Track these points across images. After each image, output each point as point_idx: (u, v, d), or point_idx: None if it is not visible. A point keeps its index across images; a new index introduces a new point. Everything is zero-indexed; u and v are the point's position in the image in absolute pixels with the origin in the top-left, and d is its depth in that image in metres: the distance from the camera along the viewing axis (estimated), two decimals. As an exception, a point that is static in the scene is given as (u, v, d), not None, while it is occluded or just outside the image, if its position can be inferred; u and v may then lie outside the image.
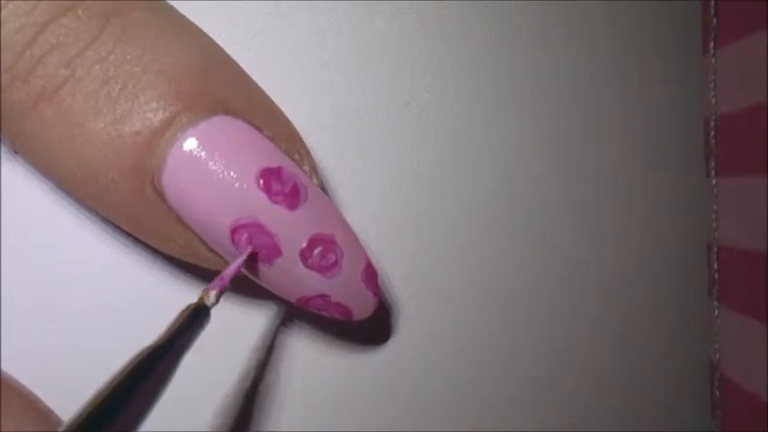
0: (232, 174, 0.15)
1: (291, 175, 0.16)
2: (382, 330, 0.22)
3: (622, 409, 0.24)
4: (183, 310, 0.14)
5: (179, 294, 0.21)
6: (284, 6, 0.21)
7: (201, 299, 0.15)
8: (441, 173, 0.22)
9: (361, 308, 0.18)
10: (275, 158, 0.16)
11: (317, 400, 0.22)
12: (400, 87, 0.22)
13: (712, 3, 0.23)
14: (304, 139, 0.17)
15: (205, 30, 0.17)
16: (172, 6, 0.16)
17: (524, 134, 0.23)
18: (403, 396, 0.22)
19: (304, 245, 0.16)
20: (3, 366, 0.20)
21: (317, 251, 0.16)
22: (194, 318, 0.14)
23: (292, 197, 0.16)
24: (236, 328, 0.21)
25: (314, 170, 0.17)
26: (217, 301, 0.15)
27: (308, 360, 0.22)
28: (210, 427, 0.21)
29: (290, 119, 0.17)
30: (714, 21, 0.23)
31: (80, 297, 0.20)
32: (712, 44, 0.23)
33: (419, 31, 0.22)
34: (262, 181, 0.15)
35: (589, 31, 0.23)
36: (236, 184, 0.15)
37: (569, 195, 0.23)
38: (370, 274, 0.17)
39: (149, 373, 0.13)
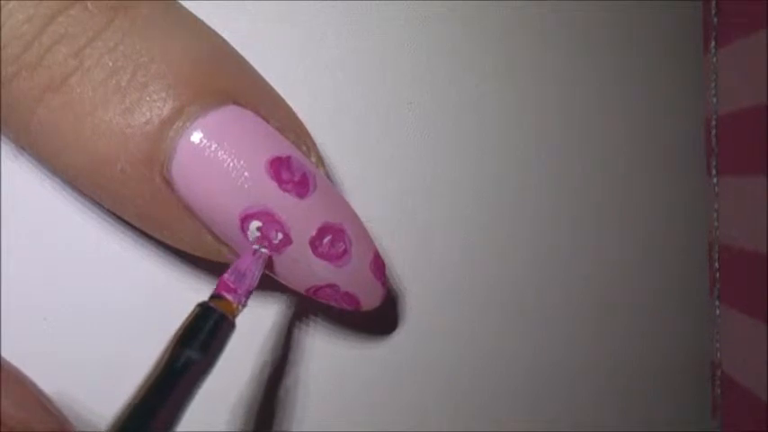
0: (242, 163, 0.15)
1: (301, 165, 0.16)
2: (389, 321, 0.22)
3: (623, 409, 0.24)
4: (215, 321, 0.15)
5: (186, 290, 0.21)
6: (284, 6, 0.21)
7: (233, 313, 0.15)
8: (442, 172, 0.22)
9: (370, 298, 0.18)
10: (284, 148, 0.16)
11: (324, 390, 0.22)
12: (402, 87, 0.22)
13: (713, 2, 0.23)
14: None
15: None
16: (179, 3, 0.17)
17: (525, 133, 0.23)
18: (409, 387, 0.22)
19: (314, 233, 0.16)
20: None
21: (326, 240, 0.16)
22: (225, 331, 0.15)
23: (302, 186, 0.16)
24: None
25: (321, 161, 0.17)
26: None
27: (316, 350, 0.22)
28: (214, 421, 0.21)
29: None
30: (715, 20, 0.23)
31: (83, 296, 0.20)
32: (713, 44, 0.23)
33: (421, 31, 0.22)
34: (272, 170, 0.15)
35: (590, 31, 0.23)
36: (246, 173, 0.15)
37: (570, 195, 0.23)
38: (379, 265, 0.17)
39: (185, 388, 0.13)
